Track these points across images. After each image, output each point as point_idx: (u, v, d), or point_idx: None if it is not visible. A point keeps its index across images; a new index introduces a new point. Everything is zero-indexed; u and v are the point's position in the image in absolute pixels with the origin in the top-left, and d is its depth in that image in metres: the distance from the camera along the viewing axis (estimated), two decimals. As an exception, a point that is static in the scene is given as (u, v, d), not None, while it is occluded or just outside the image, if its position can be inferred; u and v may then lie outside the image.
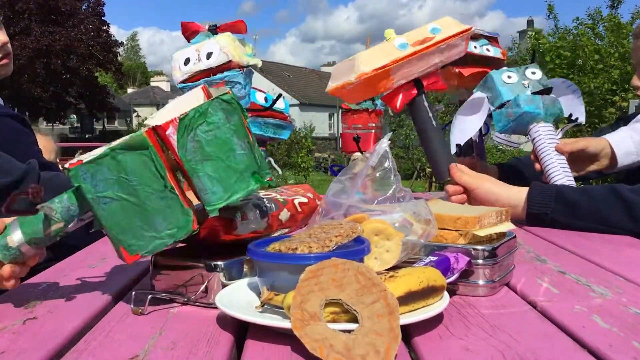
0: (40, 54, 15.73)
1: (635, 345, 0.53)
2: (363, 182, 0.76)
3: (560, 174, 1.23)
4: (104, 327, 0.60)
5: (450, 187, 1.15)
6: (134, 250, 0.61)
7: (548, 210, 1.10)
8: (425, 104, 1.09)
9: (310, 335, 0.50)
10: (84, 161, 0.60)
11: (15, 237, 0.64)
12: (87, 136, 23.47)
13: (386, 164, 0.77)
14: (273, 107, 1.27)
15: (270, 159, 1.44)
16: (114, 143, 0.61)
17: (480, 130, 1.47)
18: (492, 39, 1.40)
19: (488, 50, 1.39)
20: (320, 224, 0.67)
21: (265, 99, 1.29)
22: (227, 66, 1.05)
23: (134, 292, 0.66)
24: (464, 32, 1.05)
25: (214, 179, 0.63)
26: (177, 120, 0.62)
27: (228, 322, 0.60)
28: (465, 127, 1.30)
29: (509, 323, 0.59)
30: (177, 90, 1.53)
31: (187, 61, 1.07)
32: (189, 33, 1.11)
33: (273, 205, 0.77)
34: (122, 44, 20.29)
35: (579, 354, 0.52)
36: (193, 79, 1.06)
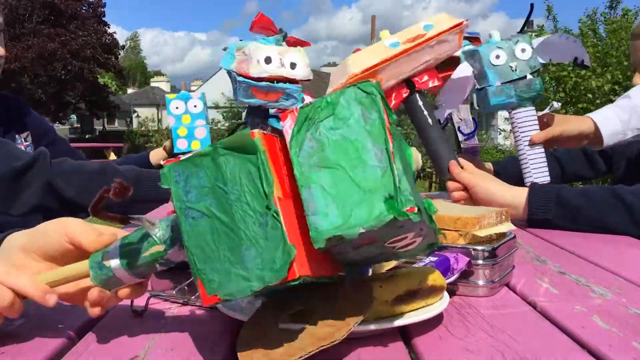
0: (42, 57, 15.73)
1: (635, 346, 0.53)
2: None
3: (530, 172, 1.24)
4: (104, 327, 0.60)
5: (450, 184, 1.17)
6: (212, 289, 0.48)
7: (550, 215, 1.10)
8: (420, 103, 1.08)
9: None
10: (181, 159, 0.49)
11: (112, 254, 0.53)
12: (87, 136, 23.45)
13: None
14: None
15: None
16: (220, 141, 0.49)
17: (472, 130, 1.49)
18: (474, 39, 1.37)
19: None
20: None
21: None
22: (296, 81, 1.12)
23: (134, 293, 0.66)
24: (456, 27, 1.04)
25: (329, 195, 0.46)
26: (297, 110, 0.49)
27: (228, 323, 0.60)
28: (446, 106, 1.28)
29: (509, 323, 0.59)
30: (177, 92, 1.52)
31: (267, 60, 1.10)
32: (259, 27, 1.15)
33: None
34: (123, 47, 20.32)
35: (579, 354, 0.52)
36: (266, 79, 1.11)
